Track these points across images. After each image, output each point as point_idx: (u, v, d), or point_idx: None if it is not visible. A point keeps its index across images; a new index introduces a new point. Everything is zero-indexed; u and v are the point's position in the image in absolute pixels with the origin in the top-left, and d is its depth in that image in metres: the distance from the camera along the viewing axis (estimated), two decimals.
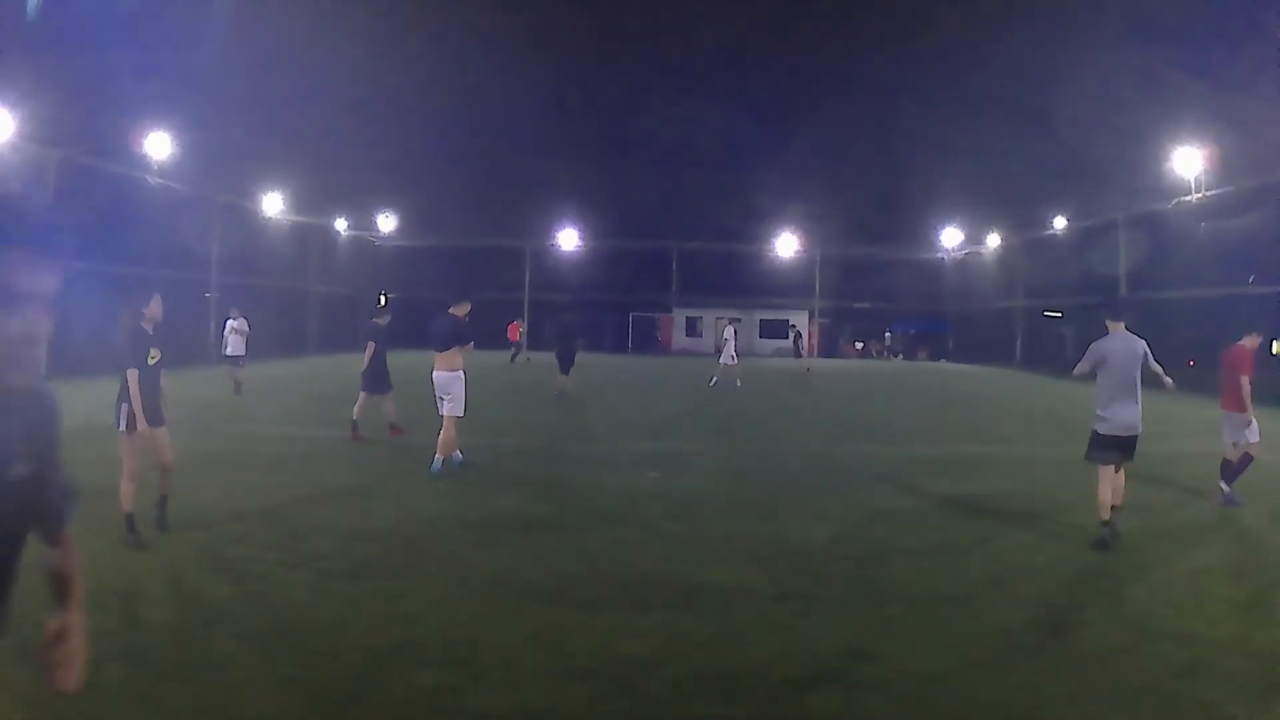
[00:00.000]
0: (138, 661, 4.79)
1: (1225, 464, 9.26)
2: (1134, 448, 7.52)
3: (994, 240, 42.54)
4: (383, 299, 42.06)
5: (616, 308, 49.67)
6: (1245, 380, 9.04)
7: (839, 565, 6.97)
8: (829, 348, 49.02)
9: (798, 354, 30.59)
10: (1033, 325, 39.21)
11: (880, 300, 48.43)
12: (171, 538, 7.31)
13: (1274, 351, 23.11)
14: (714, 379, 24.15)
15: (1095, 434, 7.56)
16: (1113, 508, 7.38)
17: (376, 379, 13.44)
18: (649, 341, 49.87)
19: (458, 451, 10.59)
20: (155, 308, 7.35)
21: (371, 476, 10.36)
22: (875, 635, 5.51)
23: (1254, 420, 9.13)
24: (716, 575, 6.68)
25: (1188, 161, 26.08)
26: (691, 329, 49.65)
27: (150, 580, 6.17)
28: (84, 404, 16.00)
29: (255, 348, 30.26)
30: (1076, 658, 5.14)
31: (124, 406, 7.08)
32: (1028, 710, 4.46)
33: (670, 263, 48.70)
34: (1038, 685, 4.74)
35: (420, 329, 13.41)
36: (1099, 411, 7.54)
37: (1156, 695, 4.62)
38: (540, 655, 5.12)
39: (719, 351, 25.77)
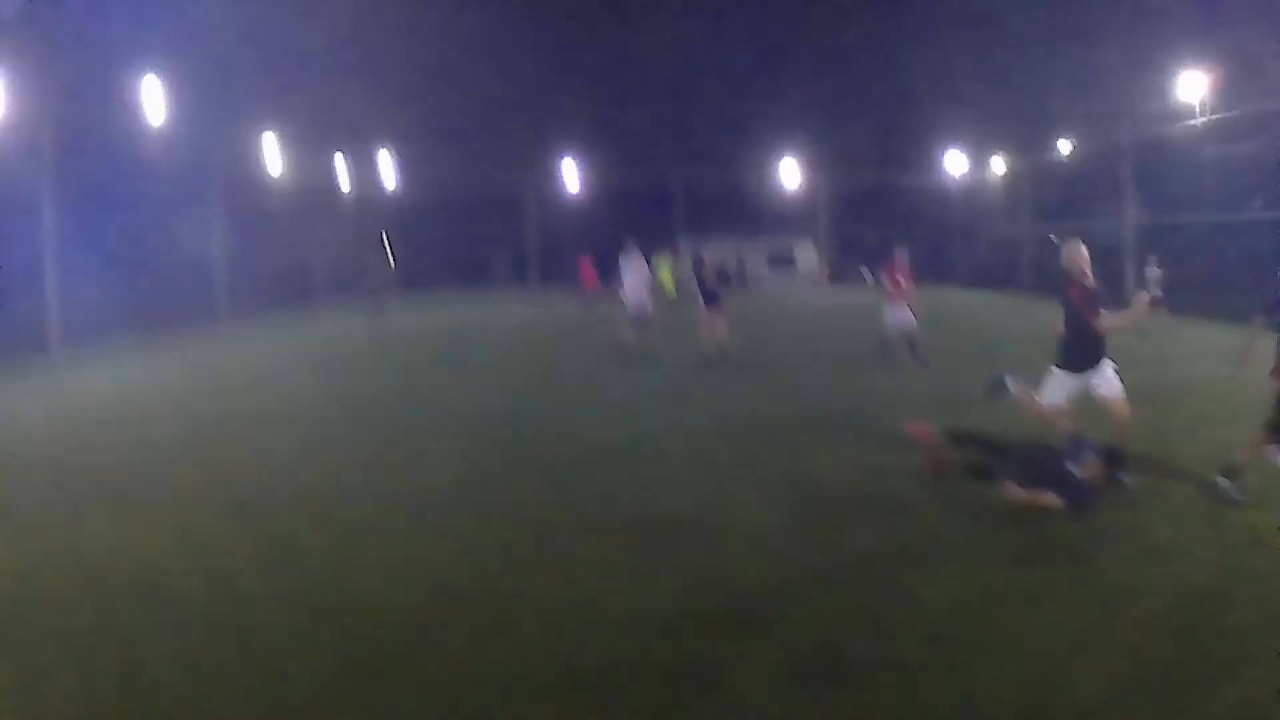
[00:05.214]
0: (166, 634, 4.98)
1: None
2: None
3: (1000, 165, 42.10)
4: (385, 240, 41.96)
5: (619, 245, 49.18)
6: None
7: (860, 503, 7.14)
8: (836, 276, 48.77)
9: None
10: (1039, 250, 38.97)
11: (887, 227, 47.96)
12: (193, 496, 7.52)
13: None
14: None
15: None
16: None
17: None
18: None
19: None
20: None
21: (390, 429, 10.53)
22: (897, 569, 5.69)
23: None
24: (739, 515, 6.85)
25: (1192, 85, 25.61)
26: (695, 264, 49.22)
27: (176, 550, 6.34)
28: (103, 378, 15.66)
29: (254, 298, 30.19)
30: (1097, 587, 5.29)
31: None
32: (1051, 644, 4.60)
33: (672, 196, 48.21)
34: (1060, 619, 4.89)
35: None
36: None
37: (1178, 623, 4.75)
38: (572, 607, 5.25)
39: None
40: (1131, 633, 4.69)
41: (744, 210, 49.04)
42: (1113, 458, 7.19)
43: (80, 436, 10.33)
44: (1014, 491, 6.80)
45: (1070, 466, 6.79)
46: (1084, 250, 7.68)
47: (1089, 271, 7.65)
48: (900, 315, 14.31)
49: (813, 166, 47.13)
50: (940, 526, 6.56)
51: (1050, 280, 36.10)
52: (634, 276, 16.14)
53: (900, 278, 14.47)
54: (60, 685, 4.37)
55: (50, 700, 4.24)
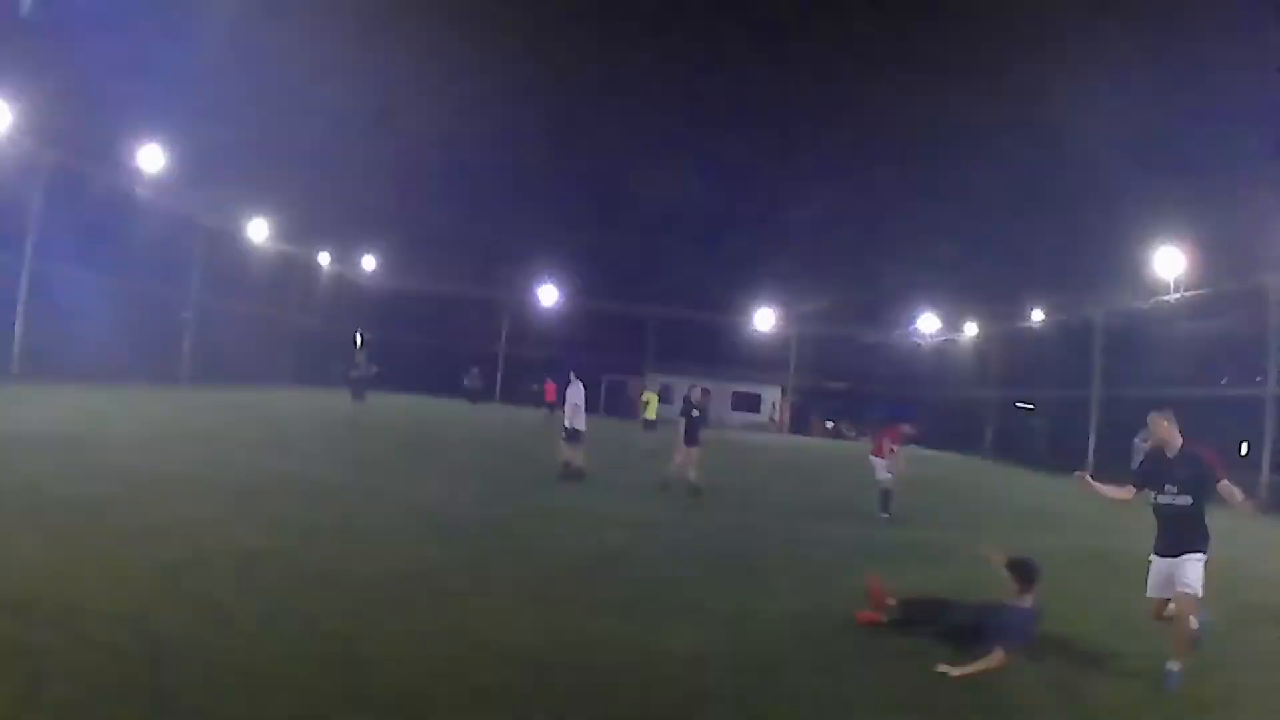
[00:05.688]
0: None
1: None
2: None
3: (971, 329, 42.88)
4: (359, 339, 41.71)
5: (589, 369, 49.09)
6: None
7: (798, 643, 6.72)
8: (801, 425, 48.96)
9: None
10: (1005, 415, 39.43)
11: (854, 380, 48.56)
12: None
13: (1242, 454, 23.35)
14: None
15: None
16: None
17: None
18: (620, 405, 49.48)
19: None
20: None
21: (337, 514, 9.89)
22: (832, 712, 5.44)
23: None
24: (674, 641, 6.40)
25: (1168, 262, 26.62)
26: (664, 397, 49.22)
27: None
28: (53, 411, 15.27)
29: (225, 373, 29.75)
30: None
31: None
32: None
33: (646, 328, 48.64)
34: None
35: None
36: None
37: None
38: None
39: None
40: None
41: (715, 351, 49.57)
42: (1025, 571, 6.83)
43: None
44: (952, 671, 6.16)
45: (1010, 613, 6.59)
46: (1161, 423, 6.72)
47: (1164, 444, 6.70)
48: (884, 471, 14.65)
49: (787, 316, 48.08)
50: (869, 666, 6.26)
51: (1011, 445, 36.53)
52: (574, 401, 16.46)
53: (894, 441, 14.97)
54: None
55: None
